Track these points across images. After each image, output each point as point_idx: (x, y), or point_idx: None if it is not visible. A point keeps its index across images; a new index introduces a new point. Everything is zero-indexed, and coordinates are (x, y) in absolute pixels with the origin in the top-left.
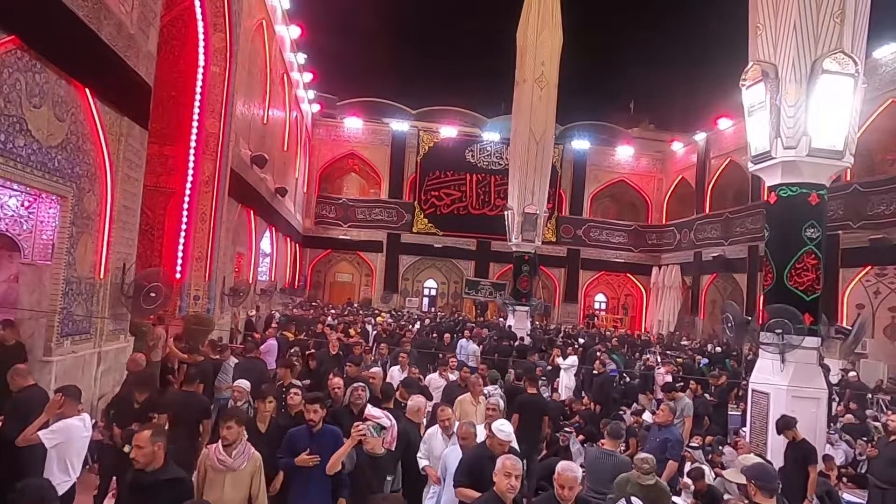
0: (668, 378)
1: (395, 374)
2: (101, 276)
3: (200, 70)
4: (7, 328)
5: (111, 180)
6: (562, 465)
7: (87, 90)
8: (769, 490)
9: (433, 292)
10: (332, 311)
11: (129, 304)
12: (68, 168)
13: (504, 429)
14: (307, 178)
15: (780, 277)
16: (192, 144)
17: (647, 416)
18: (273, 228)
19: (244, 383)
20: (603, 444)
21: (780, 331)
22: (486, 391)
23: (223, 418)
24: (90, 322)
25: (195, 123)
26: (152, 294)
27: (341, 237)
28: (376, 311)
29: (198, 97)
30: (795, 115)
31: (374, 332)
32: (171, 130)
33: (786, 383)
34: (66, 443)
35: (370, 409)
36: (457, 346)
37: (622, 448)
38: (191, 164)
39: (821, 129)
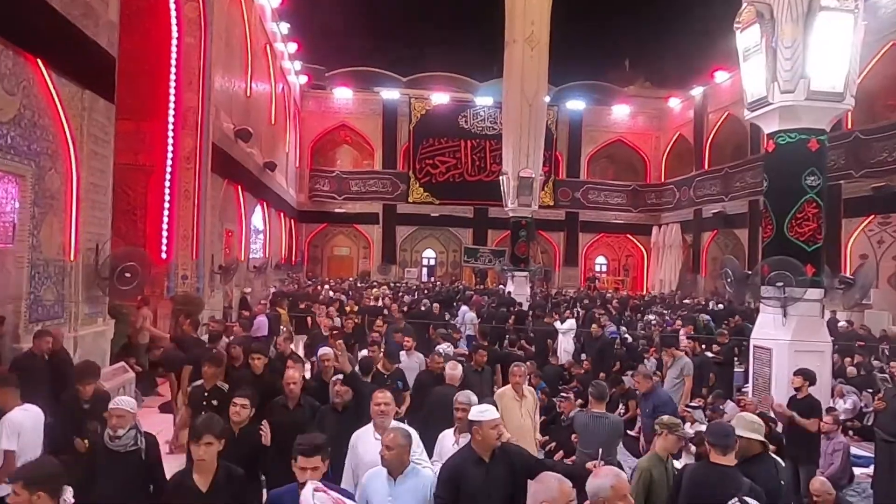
0: (685, 340)
1: (404, 361)
2: (72, 258)
3: (174, 42)
4: None
5: (75, 157)
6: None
7: (38, 62)
8: (722, 447)
9: (432, 262)
10: (328, 285)
11: (104, 285)
12: (24, 145)
13: (482, 409)
14: (298, 151)
15: (780, 228)
16: (170, 119)
17: None
18: (264, 204)
19: (125, 402)
20: (590, 408)
21: (780, 284)
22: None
23: None
24: (62, 306)
25: (172, 97)
26: (127, 274)
27: (336, 210)
28: (374, 284)
29: (173, 70)
30: (792, 57)
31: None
32: (147, 105)
33: (788, 338)
34: (23, 435)
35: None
36: (457, 314)
37: (621, 411)
38: (170, 140)
39: (819, 70)
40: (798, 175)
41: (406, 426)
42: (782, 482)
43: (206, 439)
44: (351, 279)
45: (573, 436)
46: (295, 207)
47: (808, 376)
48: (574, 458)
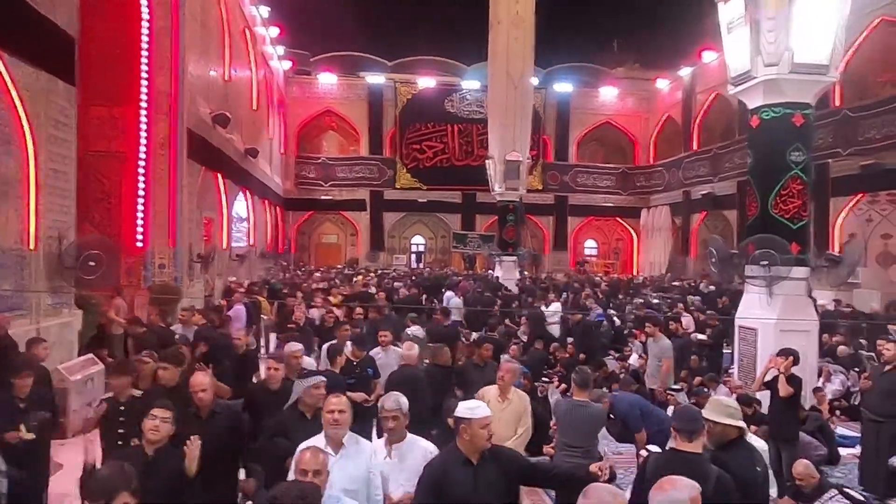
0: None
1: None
2: (32, 247)
3: (145, 24)
4: None
5: (33, 142)
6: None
7: None
8: (688, 432)
9: (421, 248)
10: (318, 274)
11: (68, 275)
12: None
13: (472, 406)
14: (283, 138)
15: (764, 206)
16: (143, 105)
17: (633, 360)
18: (247, 191)
19: None
20: (573, 395)
21: (765, 262)
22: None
23: None
24: (23, 297)
25: (144, 82)
26: (91, 263)
27: (323, 198)
28: (361, 271)
29: (144, 53)
30: (776, 30)
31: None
32: (119, 90)
33: (774, 317)
34: None
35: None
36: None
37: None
38: (143, 126)
39: (804, 43)
40: (782, 151)
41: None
42: (758, 468)
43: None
44: (340, 266)
45: (551, 422)
46: (281, 195)
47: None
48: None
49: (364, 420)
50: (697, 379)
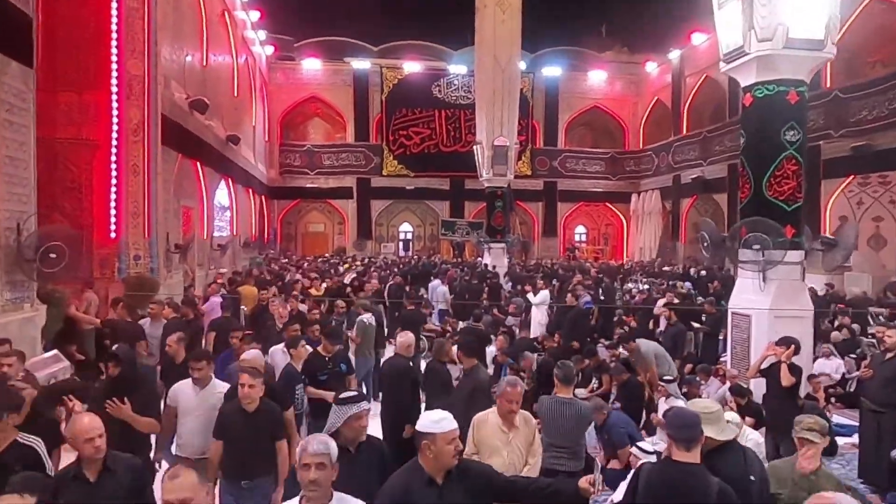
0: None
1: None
2: None
3: (115, 6)
4: None
5: None
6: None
7: None
8: (685, 441)
9: (409, 236)
10: (304, 263)
11: (28, 268)
12: None
13: (436, 418)
14: (267, 125)
15: (758, 188)
16: (114, 89)
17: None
18: (229, 180)
19: None
20: (556, 392)
21: (758, 246)
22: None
23: None
24: None
25: (114, 66)
26: (53, 255)
27: (309, 186)
28: (347, 260)
29: (114, 35)
30: (769, 3)
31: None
32: (88, 75)
33: (768, 303)
34: None
35: None
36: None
37: (594, 386)
38: (114, 112)
39: (798, 17)
40: (777, 130)
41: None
42: (752, 477)
43: None
44: (327, 255)
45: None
46: (265, 183)
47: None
48: None
49: None
50: (688, 367)
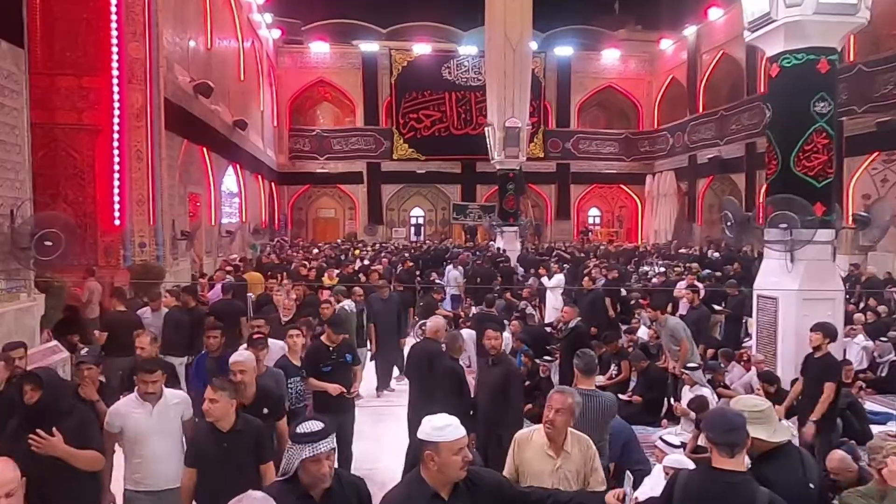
0: (683, 292)
1: None
2: None
3: None
4: None
5: None
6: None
7: None
8: (728, 446)
9: (420, 220)
10: (315, 250)
11: (24, 257)
12: None
13: (440, 424)
14: (276, 110)
15: (785, 163)
16: (115, 73)
17: (642, 333)
18: (238, 166)
19: None
20: (577, 384)
21: (785, 225)
22: None
23: None
24: None
25: (115, 49)
26: (48, 242)
27: (319, 171)
28: (358, 246)
29: (114, 18)
30: None
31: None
32: (89, 59)
33: (796, 285)
34: None
35: None
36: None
37: (613, 372)
38: (115, 96)
39: None
40: (806, 101)
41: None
42: (811, 485)
43: None
44: (338, 241)
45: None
46: (275, 169)
47: (828, 332)
48: None
49: (344, 414)
50: (710, 352)
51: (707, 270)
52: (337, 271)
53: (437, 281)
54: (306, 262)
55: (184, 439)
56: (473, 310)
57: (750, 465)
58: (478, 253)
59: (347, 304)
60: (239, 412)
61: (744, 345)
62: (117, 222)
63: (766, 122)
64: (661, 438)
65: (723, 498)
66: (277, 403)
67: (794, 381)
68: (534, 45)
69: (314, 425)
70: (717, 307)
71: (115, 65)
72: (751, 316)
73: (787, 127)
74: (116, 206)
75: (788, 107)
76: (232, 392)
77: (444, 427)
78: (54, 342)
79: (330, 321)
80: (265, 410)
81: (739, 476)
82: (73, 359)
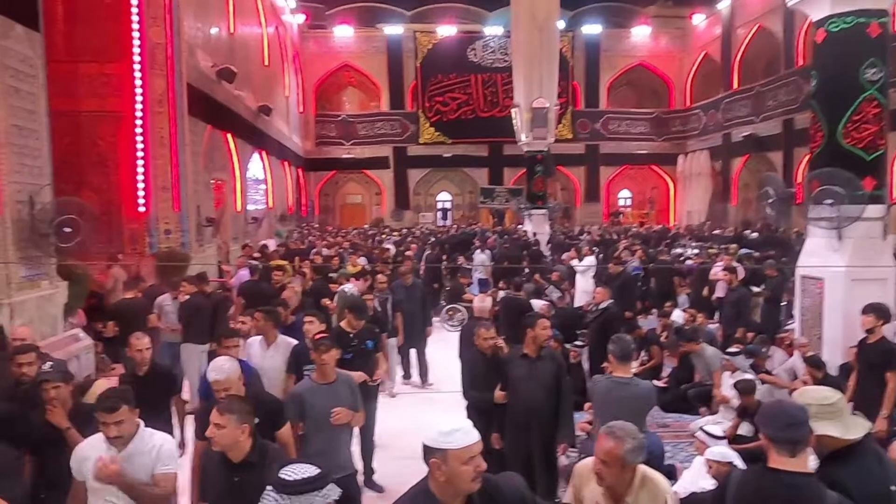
0: (721, 274)
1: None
2: None
3: None
4: None
5: None
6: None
7: None
8: (789, 443)
9: (447, 205)
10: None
11: (45, 244)
12: None
13: (447, 430)
14: (301, 96)
15: (832, 135)
16: (136, 59)
17: (676, 316)
18: (263, 152)
19: None
20: (612, 370)
21: (831, 201)
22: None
23: None
24: None
25: (136, 34)
26: (67, 229)
27: (345, 156)
28: (385, 231)
29: (134, 2)
30: None
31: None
32: (110, 45)
33: (844, 264)
34: None
35: None
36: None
37: (644, 360)
38: (137, 82)
39: None
40: (855, 68)
41: None
42: (893, 488)
43: None
44: (365, 227)
45: (586, 405)
46: (301, 155)
47: (881, 314)
48: (589, 422)
49: (366, 403)
50: (750, 335)
51: (745, 249)
52: (362, 258)
53: (465, 265)
54: (326, 248)
55: None
56: (500, 294)
57: (817, 467)
58: (505, 236)
59: (348, 287)
60: (255, 438)
61: (786, 328)
62: (142, 209)
63: (811, 91)
64: (702, 429)
65: (784, 502)
66: (275, 411)
67: (841, 367)
68: (561, 24)
69: (310, 471)
70: (755, 289)
71: (136, 50)
72: (792, 298)
73: (835, 96)
74: (141, 193)
75: (836, 74)
76: (243, 414)
77: (451, 432)
78: (77, 329)
79: (351, 306)
80: (256, 420)
81: (803, 478)
82: (98, 347)
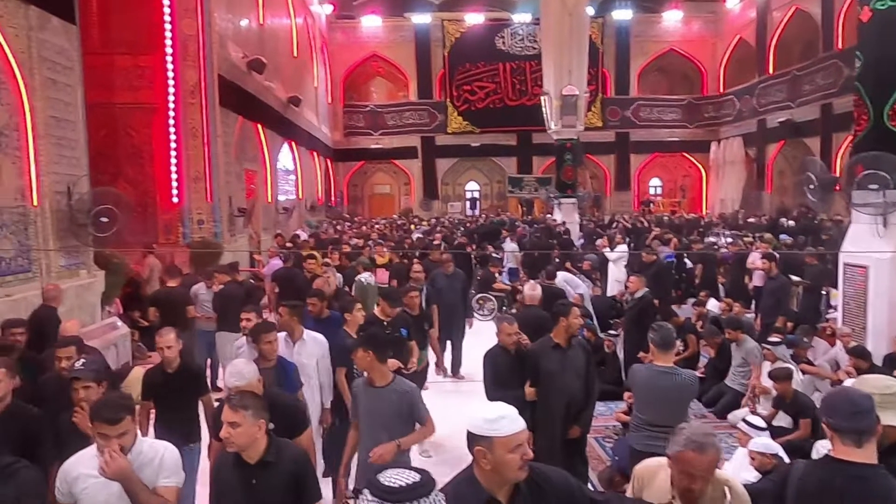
0: (759, 262)
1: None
2: (35, 203)
3: None
4: None
5: (25, 86)
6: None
7: None
8: (854, 433)
9: (476, 195)
10: (365, 227)
11: (83, 233)
12: None
13: (492, 416)
14: (329, 87)
15: (878, 118)
16: (168, 51)
17: (712, 306)
18: (293, 143)
19: None
20: (652, 360)
21: (876, 186)
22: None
23: None
24: (28, 258)
25: (168, 26)
26: (104, 219)
27: (373, 147)
28: (414, 221)
29: None
30: None
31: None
32: (143, 37)
33: (890, 251)
34: None
35: None
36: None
37: (679, 349)
38: (170, 73)
39: None
40: None
41: None
42: None
43: None
44: (394, 216)
45: (626, 394)
46: (330, 146)
47: None
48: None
49: None
50: (790, 325)
51: (783, 235)
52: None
53: (494, 255)
54: (355, 238)
55: None
56: (529, 283)
57: (879, 458)
58: (535, 225)
59: (365, 276)
60: (270, 436)
61: (827, 317)
62: (175, 199)
63: (856, 73)
64: (744, 420)
65: (850, 494)
66: (293, 417)
67: (886, 357)
68: (591, 10)
69: (409, 475)
70: (794, 277)
71: (168, 42)
72: (832, 286)
73: (881, 77)
74: (174, 184)
75: (883, 55)
76: (258, 410)
77: (497, 419)
78: (114, 318)
79: (385, 294)
80: (271, 426)
81: (870, 469)
82: (135, 335)
